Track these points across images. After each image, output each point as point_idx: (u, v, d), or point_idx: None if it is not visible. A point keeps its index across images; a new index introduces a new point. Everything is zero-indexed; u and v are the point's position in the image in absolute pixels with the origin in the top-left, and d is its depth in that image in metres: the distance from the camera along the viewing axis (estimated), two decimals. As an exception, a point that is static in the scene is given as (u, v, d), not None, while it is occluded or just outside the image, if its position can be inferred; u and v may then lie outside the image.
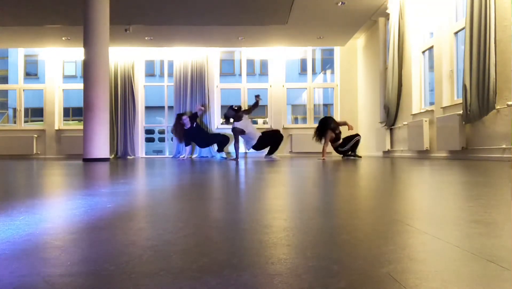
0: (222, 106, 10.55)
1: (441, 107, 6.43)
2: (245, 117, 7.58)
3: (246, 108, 8.40)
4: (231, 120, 7.61)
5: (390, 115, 8.18)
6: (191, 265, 0.64)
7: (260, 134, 7.84)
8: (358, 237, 0.86)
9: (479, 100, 5.10)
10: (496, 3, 4.88)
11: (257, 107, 7.77)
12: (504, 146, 4.88)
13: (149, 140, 19.40)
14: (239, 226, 0.99)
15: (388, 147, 8.62)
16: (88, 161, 5.98)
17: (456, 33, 6.28)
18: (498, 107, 4.91)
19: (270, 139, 8.03)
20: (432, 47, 6.96)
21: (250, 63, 23.35)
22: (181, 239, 0.83)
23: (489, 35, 4.86)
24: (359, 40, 10.90)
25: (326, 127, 7.62)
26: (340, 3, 7.67)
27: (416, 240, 0.83)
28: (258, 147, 7.97)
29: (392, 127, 8.42)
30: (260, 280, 0.56)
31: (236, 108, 7.45)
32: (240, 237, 0.85)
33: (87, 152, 6.02)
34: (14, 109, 13.76)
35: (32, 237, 0.85)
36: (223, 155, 9.89)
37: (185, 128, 9.24)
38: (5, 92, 23.23)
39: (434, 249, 0.75)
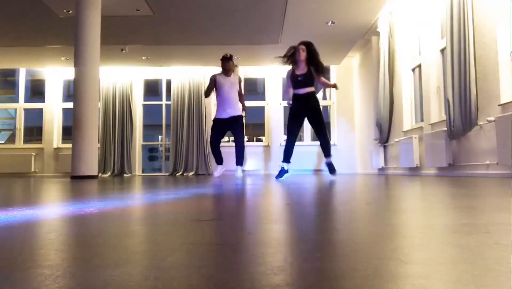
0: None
1: (429, 124, 6.42)
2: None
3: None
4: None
5: (383, 133, 8.17)
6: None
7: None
8: (359, 237, 0.90)
9: (462, 116, 5.09)
10: (474, 22, 4.93)
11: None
12: (488, 162, 4.84)
13: (152, 158, 19.52)
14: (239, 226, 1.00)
15: (382, 164, 8.58)
16: (76, 178, 6.04)
17: (442, 50, 6.32)
18: (481, 123, 4.90)
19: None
20: (420, 65, 7.00)
21: (250, 81, 23.44)
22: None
23: (468, 52, 4.90)
24: (354, 59, 10.97)
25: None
26: (330, 22, 7.77)
27: (416, 240, 0.87)
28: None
29: (386, 144, 8.40)
30: (260, 280, 0.57)
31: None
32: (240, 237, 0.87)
33: (75, 169, 6.09)
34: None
35: None
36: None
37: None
38: (13, 113, 23.57)
39: (433, 249, 0.78)
